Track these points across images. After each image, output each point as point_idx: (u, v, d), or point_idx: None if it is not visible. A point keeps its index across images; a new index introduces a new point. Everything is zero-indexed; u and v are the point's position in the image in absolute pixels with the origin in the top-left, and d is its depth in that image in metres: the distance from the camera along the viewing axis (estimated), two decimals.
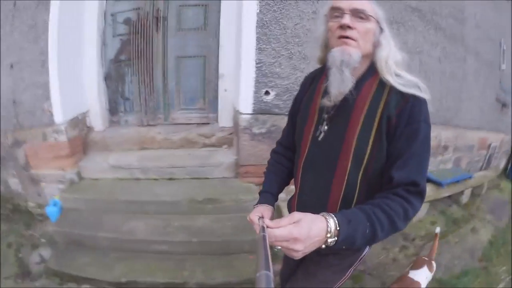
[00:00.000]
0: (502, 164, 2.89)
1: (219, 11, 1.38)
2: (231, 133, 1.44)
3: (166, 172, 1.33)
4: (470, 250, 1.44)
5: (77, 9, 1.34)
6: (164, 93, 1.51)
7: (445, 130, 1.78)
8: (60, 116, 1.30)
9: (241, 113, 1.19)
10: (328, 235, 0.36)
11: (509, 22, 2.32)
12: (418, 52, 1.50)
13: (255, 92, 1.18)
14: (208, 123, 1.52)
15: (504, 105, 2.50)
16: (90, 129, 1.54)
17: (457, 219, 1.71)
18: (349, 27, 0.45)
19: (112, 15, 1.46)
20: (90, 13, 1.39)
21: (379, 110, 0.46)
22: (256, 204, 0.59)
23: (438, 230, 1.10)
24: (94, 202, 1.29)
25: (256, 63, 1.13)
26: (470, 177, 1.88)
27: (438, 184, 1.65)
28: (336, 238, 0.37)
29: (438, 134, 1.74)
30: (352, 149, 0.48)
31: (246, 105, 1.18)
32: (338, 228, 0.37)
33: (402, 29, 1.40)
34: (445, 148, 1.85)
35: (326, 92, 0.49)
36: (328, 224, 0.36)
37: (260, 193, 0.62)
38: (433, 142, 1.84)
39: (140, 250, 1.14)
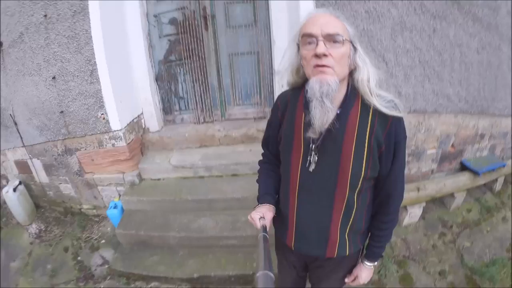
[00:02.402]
0: None
1: (267, 8, 1.52)
2: None
3: (230, 168, 1.50)
4: (500, 239, 1.68)
5: (117, 14, 1.45)
6: (220, 90, 1.67)
7: (482, 119, 1.99)
8: (117, 123, 1.44)
9: None
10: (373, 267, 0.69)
11: None
12: (459, 45, 1.68)
13: None
14: (265, 117, 1.69)
15: None
16: (145, 130, 1.70)
17: (490, 207, 1.94)
18: (324, 55, 0.47)
19: (155, 16, 1.58)
20: (132, 16, 1.51)
21: (367, 134, 0.52)
22: (257, 205, 0.65)
23: None
24: (159, 203, 1.46)
25: None
26: (503, 166, 2.10)
27: (475, 172, 1.86)
28: (376, 263, 0.69)
29: (476, 124, 1.95)
30: (349, 176, 0.53)
31: None
32: (376, 262, 0.69)
33: (444, 23, 1.57)
34: (482, 136, 2.06)
35: (309, 125, 0.53)
36: (374, 267, 0.69)
37: (258, 198, 0.68)
38: (471, 132, 2.04)
39: (210, 246, 1.31)
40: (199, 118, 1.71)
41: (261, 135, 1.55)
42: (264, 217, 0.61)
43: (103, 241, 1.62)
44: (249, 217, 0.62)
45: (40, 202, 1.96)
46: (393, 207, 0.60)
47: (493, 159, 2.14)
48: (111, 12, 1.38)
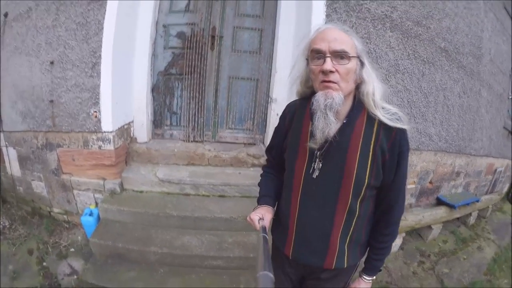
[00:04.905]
0: (505, 188, 3.50)
1: (273, 37, 1.66)
2: None
3: (218, 189, 1.56)
4: (477, 265, 1.88)
5: (131, 15, 1.47)
6: (214, 111, 1.74)
7: (459, 158, 2.26)
8: (109, 124, 1.43)
9: None
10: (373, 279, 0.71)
11: None
12: (443, 89, 1.93)
13: None
14: (254, 144, 1.78)
15: (510, 132, 3.07)
16: (133, 139, 1.72)
17: (465, 238, 2.19)
18: (331, 71, 0.53)
19: (164, 26, 1.65)
20: (143, 21, 1.55)
21: (372, 144, 0.56)
22: (256, 206, 0.69)
23: None
24: (141, 215, 1.47)
25: None
26: (478, 201, 2.38)
27: (451, 206, 2.09)
28: (374, 277, 0.71)
29: (453, 162, 2.21)
30: (352, 183, 0.57)
31: None
32: (375, 276, 0.72)
33: (432, 68, 1.81)
34: (458, 174, 2.33)
35: (312, 135, 0.58)
36: (372, 281, 0.71)
37: (258, 200, 0.71)
38: (448, 169, 2.30)
39: (194, 265, 1.33)
40: (189, 136, 1.75)
41: (251, 160, 1.69)
42: (263, 218, 0.63)
43: (72, 249, 1.58)
44: (248, 218, 0.65)
45: (7, 197, 1.88)
46: (394, 218, 0.64)
47: (468, 195, 2.41)
48: (127, 10, 1.39)
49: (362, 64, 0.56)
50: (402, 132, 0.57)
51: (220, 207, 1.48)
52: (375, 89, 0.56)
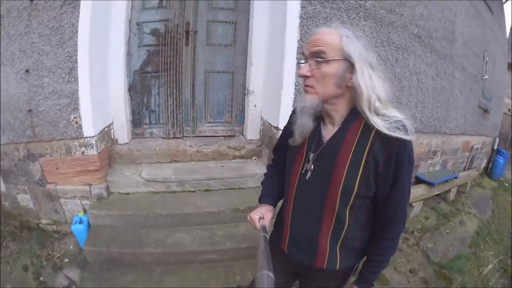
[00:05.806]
0: (483, 164, 3.74)
1: (247, 30, 1.67)
2: (259, 146, 1.77)
3: (203, 184, 1.59)
4: (460, 239, 2.00)
5: (104, 15, 1.45)
6: (192, 106, 1.75)
7: (435, 138, 2.40)
8: (90, 128, 1.42)
9: (279, 129, 1.50)
10: None
11: (491, 35, 3.03)
12: (417, 73, 2.03)
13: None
14: (233, 136, 1.81)
15: (485, 111, 3.27)
16: (114, 141, 1.71)
17: (446, 214, 2.34)
18: (305, 76, 0.54)
19: (137, 24, 1.63)
20: (116, 20, 1.53)
21: (365, 153, 0.54)
22: (257, 205, 0.70)
23: None
24: (131, 218, 1.49)
25: (295, 85, 1.46)
26: (456, 177, 2.55)
27: (430, 184, 2.24)
28: None
29: (429, 141, 2.35)
30: (339, 189, 0.56)
31: (284, 121, 1.49)
32: None
33: (405, 54, 1.90)
34: (434, 153, 2.48)
35: (314, 135, 0.60)
36: None
37: (260, 198, 0.73)
38: (424, 149, 2.46)
39: (188, 262, 1.36)
40: (169, 133, 1.75)
41: (232, 152, 1.73)
42: (263, 218, 0.65)
43: (66, 260, 1.58)
44: (248, 217, 0.67)
45: None
46: (391, 233, 0.61)
47: (446, 172, 2.57)
48: (100, 10, 1.38)
49: (353, 68, 0.52)
50: (401, 143, 0.52)
51: (207, 202, 1.52)
52: (370, 96, 0.52)
